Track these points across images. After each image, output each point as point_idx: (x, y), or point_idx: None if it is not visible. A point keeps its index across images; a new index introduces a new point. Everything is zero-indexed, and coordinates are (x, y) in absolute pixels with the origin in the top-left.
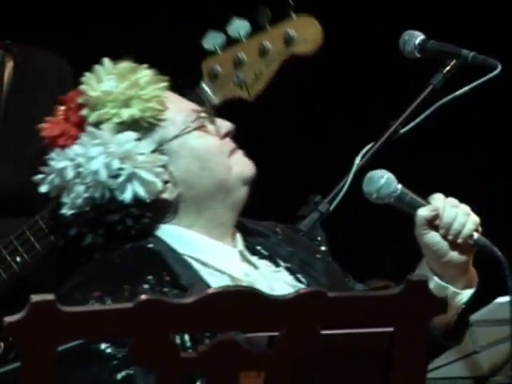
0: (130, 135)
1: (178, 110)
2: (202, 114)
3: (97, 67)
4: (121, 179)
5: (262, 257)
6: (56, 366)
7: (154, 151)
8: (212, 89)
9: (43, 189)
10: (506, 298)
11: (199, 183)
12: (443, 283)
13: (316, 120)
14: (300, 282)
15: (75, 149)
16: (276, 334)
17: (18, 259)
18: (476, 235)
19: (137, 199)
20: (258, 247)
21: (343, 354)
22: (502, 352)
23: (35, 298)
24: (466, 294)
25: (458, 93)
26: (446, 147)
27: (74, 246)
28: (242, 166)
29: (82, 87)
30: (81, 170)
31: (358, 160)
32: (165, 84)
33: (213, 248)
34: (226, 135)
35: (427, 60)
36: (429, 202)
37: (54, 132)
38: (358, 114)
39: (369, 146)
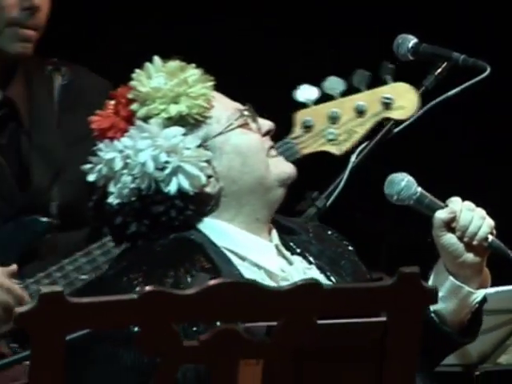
0: (178, 130)
1: (223, 108)
2: (245, 113)
3: (147, 64)
4: (167, 171)
5: (294, 253)
6: (100, 347)
7: (198, 146)
8: (303, 140)
9: (91, 178)
10: (493, 290)
11: (240, 179)
12: (458, 283)
13: None
14: (329, 279)
15: (124, 141)
16: (274, 323)
17: (83, 277)
18: (491, 238)
19: (181, 192)
20: (291, 243)
21: (339, 343)
22: (490, 340)
23: (44, 289)
24: (479, 294)
25: (449, 94)
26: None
27: (119, 234)
28: (280, 167)
29: (133, 83)
30: (129, 161)
31: (353, 158)
32: (211, 83)
33: (251, 242)
34: (267, 133)
35: (420, 62)
36: (446, 205)
37: (103, 125)
38: None
39: (364, 145)
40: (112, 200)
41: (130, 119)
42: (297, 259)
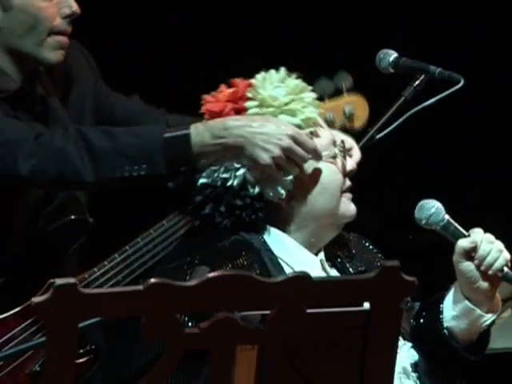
0: None
1: (321, 136)
2: (338, 148)
3: (273, 72)
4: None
5: (334, 265)
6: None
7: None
8: None
9: None
10: None
11: (312, 204)
12: (471, 305)
13: None
14: None
15: None
16: (268, 312)
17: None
18: (505, 269)
19: (262, 196)
20: (333, 254)
21: (326, 330)
22: None
23: (59, 281)
24: (488, 317)
25: (426, 103)
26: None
27: (194, 211)
28: (348, 206)
29: (255, 82)
30: None
31: None
32: (321, 110)
33: (301, 255)
34: (349, 174)
35: (400, 75)
36: (469, 235)
37: (214, 108)
38: None
39: None
40: (200, 179)
41: (240, 113)
42: (335, 273)
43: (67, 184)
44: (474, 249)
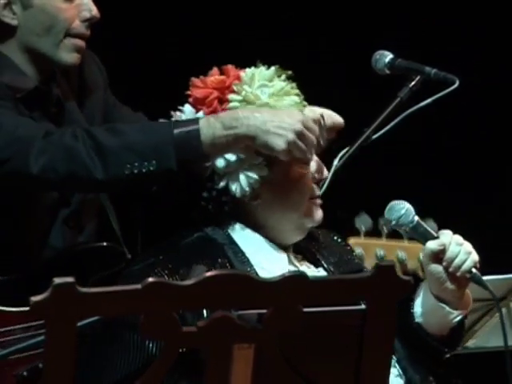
0: None
1: None
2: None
3: (262, 69)
4: (227, 170)
5: (305, 257)
6: (129, 334)
7: (259, 163)
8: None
9: None
10: None
11: (277, 206)
12: (439, 303)
13: None
14: None
15: None
16: (265, 311)
17: None
18: (474, 271)
19: (228, 191)
20: (303, 247)
21: (322, 329)
22: None
23: (57, 280)
24: (457, 314)
25: (421, 104)
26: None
27: (161, 198)
28: (315, 212)
29: (243, 77)
30: None
31: (336, 162)
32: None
33: (268, 249)
34: (320, 181)
35: (395, 76)
36: (438, 236)
37: (199, 94)
38: None
39: (345, 150)
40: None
41: (223, 103)
42: (304, 265)
43: (77, 183)
44: (443, 251)
